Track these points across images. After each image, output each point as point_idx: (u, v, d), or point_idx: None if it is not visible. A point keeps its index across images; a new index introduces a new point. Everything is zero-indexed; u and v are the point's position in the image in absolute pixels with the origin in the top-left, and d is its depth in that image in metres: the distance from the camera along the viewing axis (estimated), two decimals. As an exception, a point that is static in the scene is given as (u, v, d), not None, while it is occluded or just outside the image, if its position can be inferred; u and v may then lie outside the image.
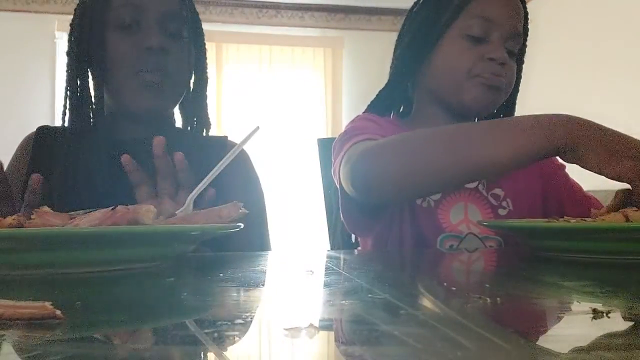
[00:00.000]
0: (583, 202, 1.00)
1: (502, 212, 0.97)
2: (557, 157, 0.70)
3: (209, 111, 1.01)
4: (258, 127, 0.72)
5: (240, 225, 0.60)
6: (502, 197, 0.99)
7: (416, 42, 0.99)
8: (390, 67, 1.06)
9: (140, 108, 0.92)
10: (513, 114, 1.05)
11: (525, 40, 1.01)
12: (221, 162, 0.69)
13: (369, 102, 1.07)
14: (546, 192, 1.04)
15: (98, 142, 0.91)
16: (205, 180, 0.68)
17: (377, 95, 1.06)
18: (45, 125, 1.01)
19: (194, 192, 0.69)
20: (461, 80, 0.94)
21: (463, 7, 0.95)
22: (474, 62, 0.93)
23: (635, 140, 0.67)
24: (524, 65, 1.04)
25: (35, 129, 1.02)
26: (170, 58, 0.91)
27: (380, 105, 1.06)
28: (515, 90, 1.03)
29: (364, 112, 1.06)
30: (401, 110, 1.09)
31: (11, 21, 4.03)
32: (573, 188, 1.04)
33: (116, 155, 0.80)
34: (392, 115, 1.08)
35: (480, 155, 0.72)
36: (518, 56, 1.00)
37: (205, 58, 1.00)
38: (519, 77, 1.02)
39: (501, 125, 0.74)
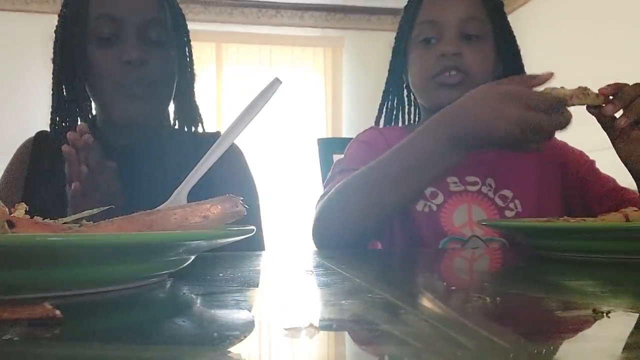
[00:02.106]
0: (615, 194, 0.96)
1: (509, 213, 0.94)
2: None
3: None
4: (278, 79, 0.56)
5: (253, 229, 0.47)
6: (511, 199, 0.96)
7: (394, 55, 1.06)
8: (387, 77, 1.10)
9: (126, 119, 0.92)
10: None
11: (498, 16, 1.01)
12: (222, 135, 0.55)
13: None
14: (568, 189, 1.00)
15: None
16: (201, 162, 0.54)
17: (379, 108, 1.09)
18: (44, 130, 1.02)
19: (183, 183, 0.54)
20: (425, 85, 0.98)
21: (414, 19, 1.00)
22: (430, 64, 0.96)
23: (499, 107, 0.71)
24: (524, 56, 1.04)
25: (34, 132, 1.02)
26: (152, 68, 0.90)
27: (386, 115, 1.09)
28: (514, 61, 1.02)
29: (373, 126, 1.09)
30: (417, 113, 1.11)
31: (10, 21, 4.02)
32: (601, 181, 0.99)
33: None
34: (407, 121, 1.10)
35: (397, 196, 0.80)
36: (498, 31, 1.00)
37: (191, 55, 0.99)
38: (512, 50, 1.02)
39: (405, 161, 0.79)
